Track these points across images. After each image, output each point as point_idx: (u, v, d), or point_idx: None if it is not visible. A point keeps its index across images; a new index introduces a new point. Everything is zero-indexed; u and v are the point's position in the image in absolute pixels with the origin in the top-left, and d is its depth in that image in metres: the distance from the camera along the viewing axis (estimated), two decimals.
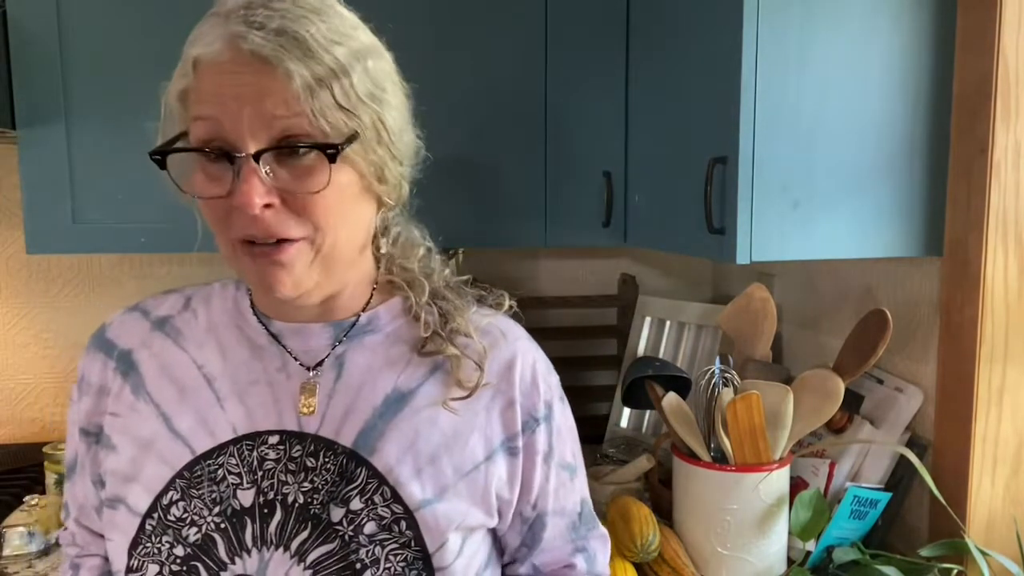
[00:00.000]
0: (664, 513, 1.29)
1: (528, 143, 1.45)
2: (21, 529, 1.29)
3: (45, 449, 1.47)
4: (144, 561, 0.71)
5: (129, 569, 0.71)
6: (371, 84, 0.67)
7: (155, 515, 0.71)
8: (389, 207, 0.76)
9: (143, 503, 0.72)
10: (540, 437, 0.78)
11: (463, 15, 1.41)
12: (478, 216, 1.44)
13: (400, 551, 0.70)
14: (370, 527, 0.70)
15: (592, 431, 1.75)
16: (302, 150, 0.64)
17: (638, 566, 1.20)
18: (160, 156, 0.66)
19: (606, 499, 1.36)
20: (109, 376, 0.78)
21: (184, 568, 0.70)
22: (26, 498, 1.37)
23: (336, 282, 0.73)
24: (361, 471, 0.71)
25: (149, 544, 0.71)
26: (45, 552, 1.31)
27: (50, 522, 1.33)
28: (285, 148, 0.64)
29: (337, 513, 0.70)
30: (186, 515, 0.71)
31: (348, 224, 0.69)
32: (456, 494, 0.73)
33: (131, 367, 0.77)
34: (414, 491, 0.71)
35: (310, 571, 0.69)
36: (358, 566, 0.69)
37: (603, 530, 0.89)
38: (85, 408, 0.78)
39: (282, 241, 0.66)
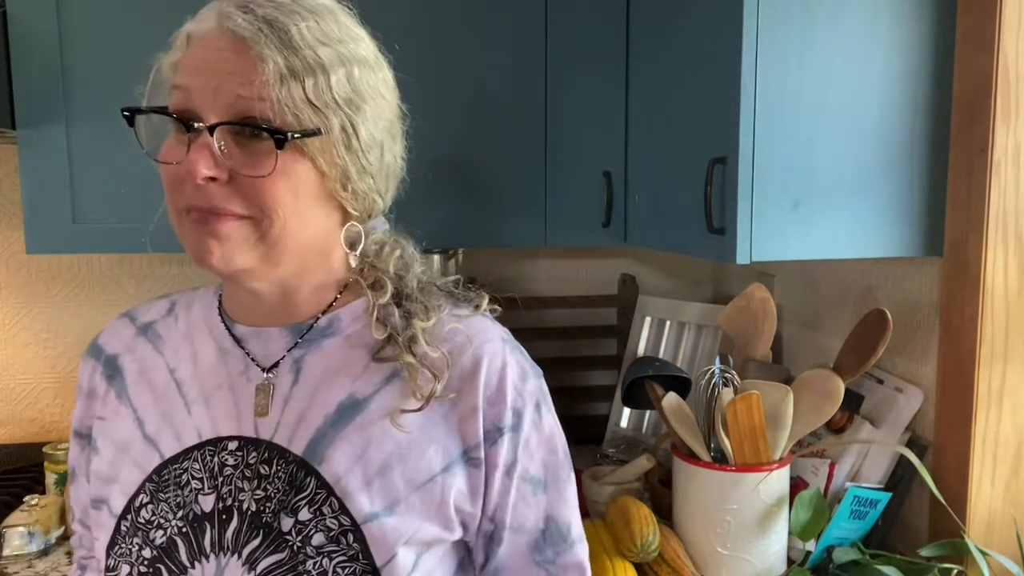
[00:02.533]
0: (664, 513, 1.29)
1: (528, 143, 1.45)
2: (21, 529, 1.29)
3: (45, 449, 1.47)
4: (118, 561, 0.72)
5: (107, 568, 0.73)
6: (350, 90, 0.68)
7: (128, 517, 0.72)
8: (357, 219, 0.75)
9: (119, 505, 0.73)
10: (503, 448, 0.73)
11: (463, 15, 1.41)
12: (478, 216, 1.44)
13: (348, 564, 0.68)
14: (318, 538, 0.69)
15: (592, 431, 1.76)
16: (261, 134, 0.65)
17: (638, 566, 1.20)
18: (129, 114, 0.69)
19: (606, 499, 1.36)
20: (97, 381, 0.80)
21: (150, 570, 0.70)
22: (26, 498, 1.37)
23: (285, 274, 0.72)
24: (310, 481, 0.70)
25: (123, 545, 0.72)
26: (45, 552, 1.31)
27: (50, 522, 1.33)
28: (239, 126, 0.65)
29: (287, 523, 0.69)
30: (154, 518, 0.71)
31: (299, 218, 0.69)
32: (408, 508, 0.70)
33: (116, 372, 0.79)
34: (362, 503, 0.69)
35: None
36: None
37: (578, 557, 0.79)
38: (79, 412, 0.82)
39: (223, 215, 0.67)
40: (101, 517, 0.75)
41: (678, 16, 1.25)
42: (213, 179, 0.65)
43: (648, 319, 1.79)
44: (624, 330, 1.83)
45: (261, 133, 0.65)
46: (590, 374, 1.87)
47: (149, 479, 0.73)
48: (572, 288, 1.90)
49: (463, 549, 0.79)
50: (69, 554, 1.32)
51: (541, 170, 1.46)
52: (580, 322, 1.88)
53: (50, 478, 1.46)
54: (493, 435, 0.73)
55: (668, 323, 1.77)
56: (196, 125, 0.65)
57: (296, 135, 0.65)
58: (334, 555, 0.68)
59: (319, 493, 0.70)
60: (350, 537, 0.69)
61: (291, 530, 0.69)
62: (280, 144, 0.64)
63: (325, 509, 0.69)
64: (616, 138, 1.47)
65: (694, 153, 1.17)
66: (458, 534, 0.74)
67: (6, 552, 1.29)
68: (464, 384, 0.73)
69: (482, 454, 0.73)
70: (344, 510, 0.69)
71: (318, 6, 0.68)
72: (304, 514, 0.69)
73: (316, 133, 0.66)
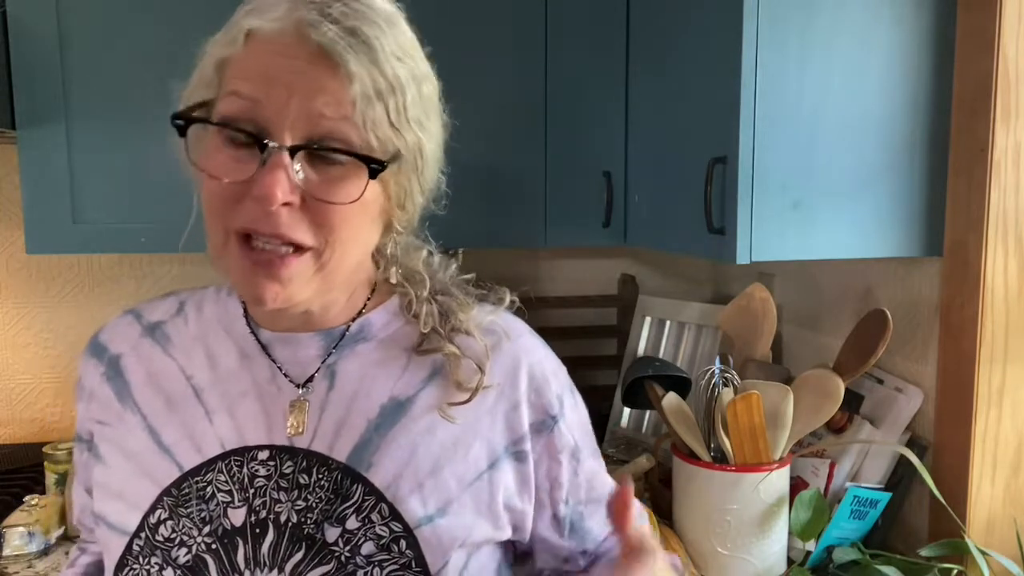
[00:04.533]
0: (664, 513, 1.29)
1: (528, 143, 1.45)
2: (21, 529, 1.29)
3: (45, 449, 1.46)
4: None
5: None
6: (420, 110, 0.65)
7: (142, 535, 0.67)
8: (398, 233, 0.73)
9: (131, 522, 0.68)
10: (562, 435, 0.74)
11: (463, 15, 1.41)
12: (478, 216, 1.44)
13: (400, 572, 0.66)
14: (368, 547, 0.66)
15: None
16: (339, 156, 0.60)
17: None
18: (183, 122, 0.62)
19: None
20: (98, 381, 0.75)
21: None
22: (26, 498, 1.37)
23: (333, 296, 0.71)
24: (357, 488, 0.67)
25: (136, 566, 0.67)
26: (45, 552, 1.31)
27: (50, 522, 1.33)
28: (325, 150, 0.60)
29: (332, 533, 0.66)
30: (175, 535, 0.67)
31: (358, 242, 0.67)
32: (461, 507, 0.69)
33: (118, 373, 0.75)
34: (414, 507, 0.67)
35: None
36: None
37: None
38: (80, 413, 0.77)
39: (289, 249, 0.62)
40: (103, 534, 0.71)
41: (678, 16, 1.25)
42: (286, 204, 0.60)
43: (648, 319, 1.79)
44: (624, 330, 1.83)
45: (339, 156, 0.60)
46: (590, 374, 1.87)
47: (167, 492, 0.68)
48: (572, 288, 1.90)
49: (501, 552, 0.78)
50: (69, 554, 1.31)
51: (541, 170, 1.46)
52: (580, 322, 1.88)
53: (50, 478, 1.46)
54: (547, 424, 0.74)
55: (668, 323, 1.77)
56: (271, 145, 0.59)
57: (388, 163, 0.62)
58: (385, 564, 0.66)
59: (367, 500, 0.67)
60: (402, 544, 0.66)
61: (337, 540, 0.66)
62: (374, 174, 0.61)
63: (374, 516, 0.67)
64: (616, 138, 1.47)
65: (694, 153, 1.17)
66: (507, 534, 0.73)
67: (6, 552, 1.29)
68: (507, 378, 0.73)
69: (528, 447, 0.73)
70: (395, 516, 0.67)
71: (389, 13, 0.64)
72: (352, 523, 0.66)
73: (398, 157, 0.63)
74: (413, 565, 0.66)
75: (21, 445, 1.69)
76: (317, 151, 0.60)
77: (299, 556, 0.66)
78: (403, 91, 0.62)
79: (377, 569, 0.65)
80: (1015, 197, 1.07)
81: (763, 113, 1.04)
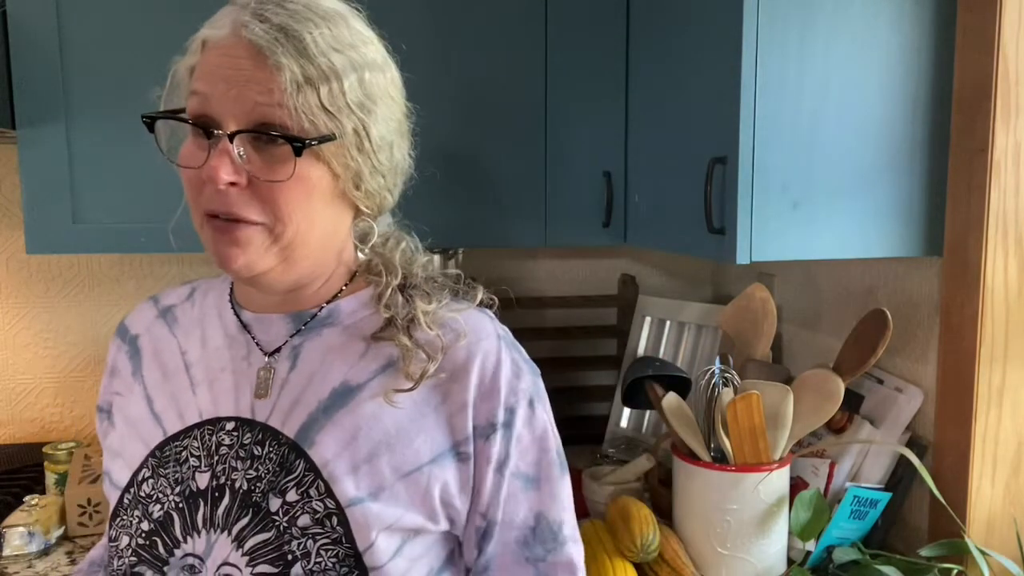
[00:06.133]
0: (664, 513, 1.29)
1: (528, 143, 1.45)
2: (21, 529, 1.29)
3: (45, 449, 1.47)
4: (119, 532, 0.74)
5: (111, 539, 0.76)
6: (362, 94, 0.70)
7: (131, 490, 0.75)
8: (367, 216, 0.78)
9: (123, 478, 0.76)
10: (495, 445, 0.74)
11: (463, 15, 1.41)
12: (478, 216, 1.45)
13: (331, 547, 0.70)
14: (303, 520, 0.71)
15: (592, 431, 1.76)
16: (279, 140, 0.67)
17: (638, 566, 1.20)
18: (150, 120, 0.72)
19: (606, 499, 1.36)
20: (120, 359, 0.85)
21: (147, 542, 0.72)
22: (26, 498, 1.37)
23: (302, 273, 0.75)
24: (299, 463, 0.72)
25: (124, 516, 0.75)
26: (45, 552, 1.31)
27: (50, 522, 1.33)
28: (257, 134, 0.67)
29: (275, 503, 0.71)
30: (153, 492, 0.74)
31: (313, 220, 0.72)
32: (393, 495, 0.72)
33: (136, 351, 0.84)
34: (347, 488, 0.71)
35: (247, 557, 0.70)
36: (290, 557, 0.70)
37: (569, 556, 0.78)
38: (103, 387, 0.86)
39: (240, 221, 0.69)
40: (109, 490, 0.78)
41: (678, 16, 1.25)
42: (233, 184, 0.68)
43: (648, 319, 1.79)
44: (624, 330, 1.83)
45: (279, 140, 0.67)
46: (590, 374, 1.87)
47: (152, 454, 0.76)
48: (572, 288, 1.90)
49: (453, 541, 0.80)
50: (69, 554, 1.32)
51: (541, 170, 1.46)
52: (580, 322, 1.87)
53: (50, 478, 1.46)
54: (486, 431, 0.75)
55: (668, 323, 1.77)
56: (216, 132, 0.67)
57: (312, 142, 0.67)
58: (318, 537, 0.70)
59: (307, 476, 0.72)
60: (334, 520, 0.71)
61: (279, 510, 0.71)
62: (298, 151, 0.67)
63: (312, 492, 0.71)
64: (616, 138, 1.47)
65: (694, 153, 1.17)
66: (444, 527, 0.76)
67: (6, 552, 1.29)
68: (456, 378, 0.75)
69: (471, 449, 0.75)
70: (330, 493, 0.71)
71: (330, 11, 0.70)
72: (292, 495, 0.71)
73: (331, 138, 0.69)
74: (343, 541, 0.70)
75: (21, 445, 1.69)
76: (253, 135, 0.67)
77: (245, 521, 0.71)
78: (339, 78, 0.68)
79: (311, 541, 0.70)
80: (1015, 197, 1.07)
81: (763, 113, 1.04)
